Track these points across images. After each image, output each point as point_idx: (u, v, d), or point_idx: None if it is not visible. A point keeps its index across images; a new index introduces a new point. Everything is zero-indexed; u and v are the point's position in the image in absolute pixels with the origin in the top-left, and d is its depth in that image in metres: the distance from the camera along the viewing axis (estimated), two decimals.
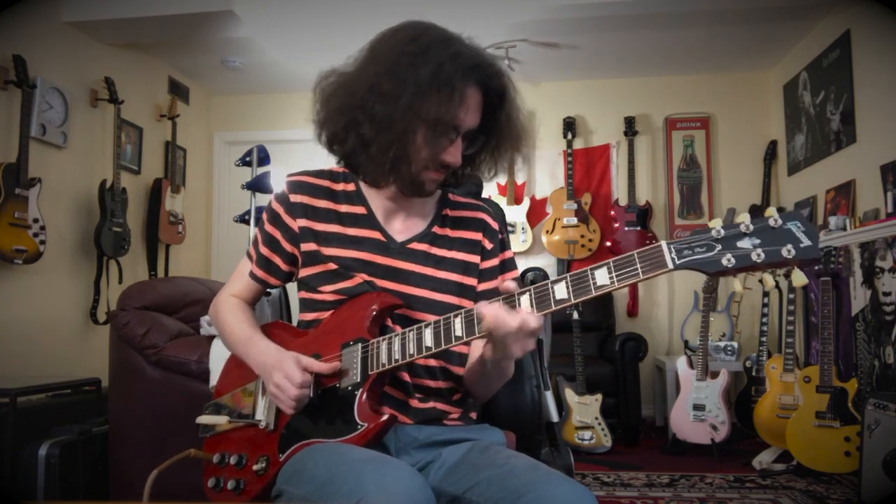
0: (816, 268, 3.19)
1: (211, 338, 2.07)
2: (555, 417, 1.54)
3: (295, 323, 1.30)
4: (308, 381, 1.09)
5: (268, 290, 1.33)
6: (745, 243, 0.86)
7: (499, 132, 1.17)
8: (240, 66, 4.51)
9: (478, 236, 1.25)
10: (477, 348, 1.16)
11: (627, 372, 3.83)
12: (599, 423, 3.57)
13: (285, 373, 1.09)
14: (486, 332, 0.98)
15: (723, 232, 0.87)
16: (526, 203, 4.70)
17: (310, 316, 1.22)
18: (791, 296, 3.52)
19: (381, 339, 1.09)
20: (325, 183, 1.25)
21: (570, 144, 4.65)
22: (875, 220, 3.20)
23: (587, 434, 3.55)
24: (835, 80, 3.69)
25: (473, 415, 1.26)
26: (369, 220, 1.22)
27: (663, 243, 0.89)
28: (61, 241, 3.57)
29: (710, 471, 3.19)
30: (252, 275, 1.28)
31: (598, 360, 4.05)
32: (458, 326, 1.02)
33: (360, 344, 1.11)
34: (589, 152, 4.76)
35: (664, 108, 4.73)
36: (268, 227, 1.25)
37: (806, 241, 0.84)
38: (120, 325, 2.12)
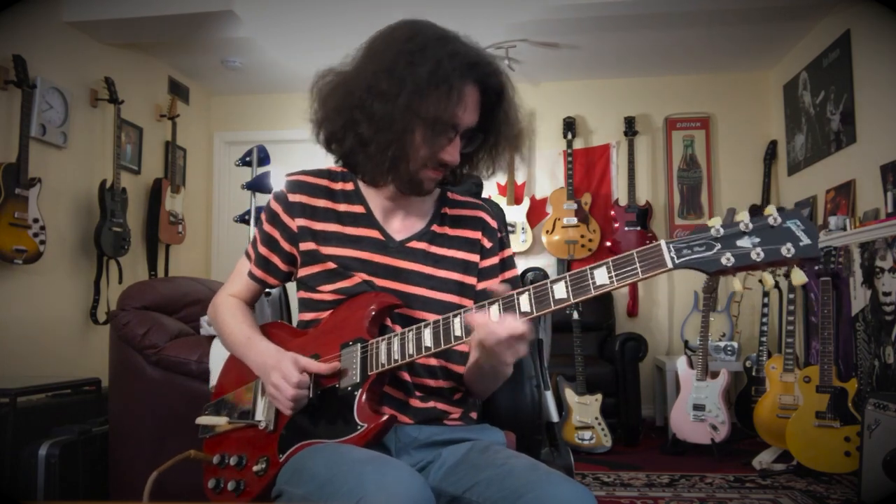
0: (816, 268, 3.19)
1: (211, 338, 2.07)
2: (555, 417, 1.54)
3: (295, 323, 1.30)
4: (306, 382, 1.09)
5: (267, 290, 1.32)
6: (744, 242, 0.86)
7: (497, 130, 1.17)
8: (240, 66, 4.51)
9: (477, 235, 1.25)
10: (474, 350, 1.16)
11: (627, 372, 3.83)
12: (599, 423, 3.57)
13: (283, 373, 1.09)
14: (477, 344, 0.99)
15: (722, 231, 0.87)
16: (526, 203, 4.70)
17: (309, 316, 1.22)
18: (791, 296, 3.52)
19: (380, 339, 1.09)
20: (324, 182, 1.25)
21: (570, 144, 4.65)
22: (875, 220, 3.20)
23: (587, 434, 3.55)
24: (835, 80, 3.69)
25: (474, 414, 1.26)
26: (368, 219, 1.22)
27: (662, 242, 0.89)
28: (61, 241, 3.57)
29: (710, 471, 3.19)
30: (251, 274, 1.28)
31: (598, 360, 4.05)
32: (457, 326, 1.02)
33: (359, 344, 1.11)
34: (589, 152, 4.76)
35: (664, 108, 4.73)
36: (266, 227, 1.25)
37: (805, 240, 0.84)
38: (120, 325, 2.12)
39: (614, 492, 2.88)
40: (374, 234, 1.21)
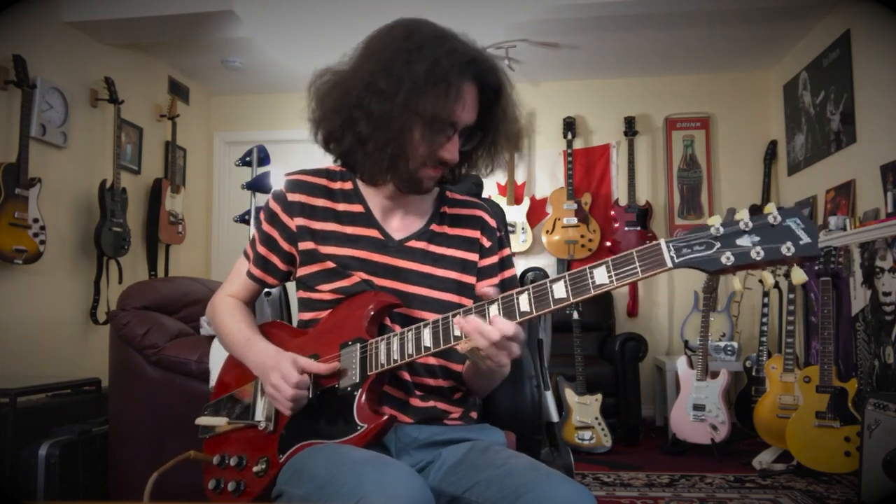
0: (816, 268, 3.19)
1: (211, 338, 2.07)
2: (555, 417, 1.54)
3: (295, 323, 1.29)
4: (305, 382, 1.09)
5: (268, 290, 1.32)
6: (744, 241, 0.86)
7: (495, 128, 1.17)
8: (240, 66, 4.51)
9: (476, 234, 1.25)
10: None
11: (627, 372, 3.83)
12: (599, 423, 3.57)
13: (282, 373, 1.09)
14: (469, 349, 0.99)
15: (722, 230, 0.87)
16: (526, 203, 4.70)
17: (308, 315, 1.22)
18: (791, 296, 3.52)
19: (379, 339, 1.09)
20: (323, 182, 1.25)
21: (570, 144, 4.65)
22: (875, 220, 3.20)
23: (587, 434, 3.55)
24: (835, 80, 3.69)
25: (474, 414, 1.26)
26: (367, 219, 1.22)
27: (662, 241, 0.89)
28: (61, 241, 3.57)
29: (710, 471, 3.19)
30: (249, 274, 1.27)
31: (598, 360, 4.05)
32: (456, 326, 1.02)
33: (358, 344, 1.11)
34: (589, 152, 4.76)
35: (664, 108, 4.73)
36: (265, 227, 1.24)
37: (805, 239, 0.83)
38: (120, 325, 2.12)
39: (614, 492, 2.88)
40: (373, 233, 1.20)
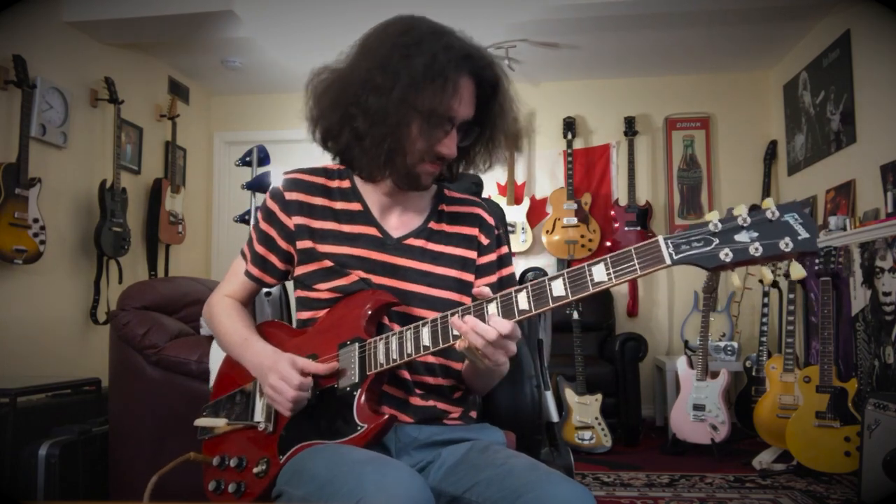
0: (816, 268, 3.19)
1: (211, 338, 2.07)
2: (555, 417, 1.54)
3: (294, 323, 1.29)
4: (307, 385, 1.09)
5: (267, 291, 1.32)
6: (742, 237, 0.85)
7: (492, 123, 1.17)
8: (240, 66, 4.51)
9: (474, 231, 1.25)
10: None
11: (627, 372, 3.83)
12: (599, 423, 3.57)
13: (281, 375, 1.09)
14: (466, 348, 0.99)
15: (720, 226, 0.86)
16: (526, 203, 4.70)
17: (306, 315, 1.22)
18: (791, 296, 3.52)
19: (378, 338, 1.09)
20: (320, 180, 1.24)
21: (570, 144, 4.65)
22: (875, 220, 3.20)
23: (587, 434, 3.55)
24: (835, 80, 3.69)
25: (473, 414, 1.25)
26: (365, 217, 1.21)
27: (660, 238, 0.88)
28: (61, 241, 3.57)
29: (710, 471, 3.19)
30: (247, 273, 1.27)
31: (598, 360, 4.05)
32: (457, 318, 1.01)
33: (356, 344, 1.10)
34: (589, 152, 4.76)
35: (664, 108, 4.73)
36: (263, 226, 1.24)
37: (804, 234, 0.83)
38: (120, 325, 2.12)
39: (614, 492, 2.88)
40: (372, 231, 1.20)
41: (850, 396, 2.92)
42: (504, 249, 1.29)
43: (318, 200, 1.22)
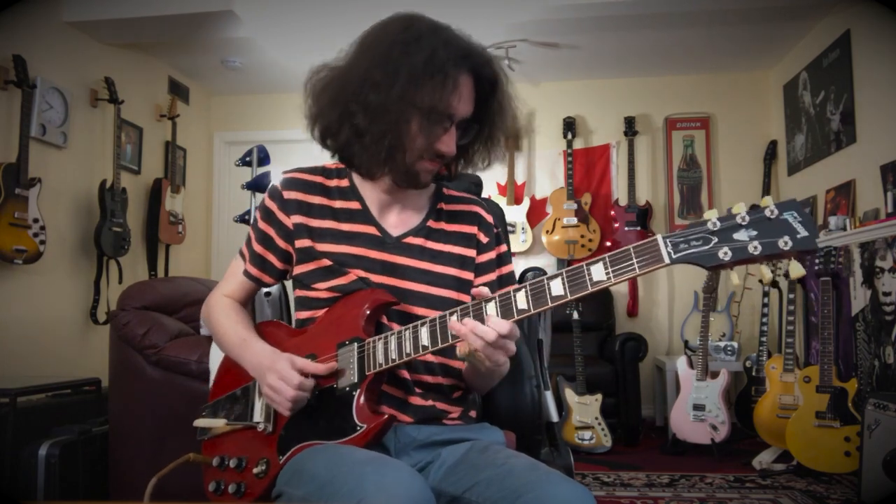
0: (816, 268, 3.19)
1: (211, 338, 2.07)
2: (555, 417, 1.54)
3: (293, 323, 1.29)
4: (307, 385, 1.08)
5: (267, 291, 1.32)
6: (741, 235, 0.85)
7: (491, 121, 1.17)
8: (240, 66, 4.51)
9: (473, 230, 1.25)
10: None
11: (627, 372, 3.83)
12: (599, 423, 3.57)
13: (280, 374, 1.08)
14: (466, 354, 0.99)
15: (719, 224, 0.86)
16: (526, 203, 4.70)
17: (304, 314, 1.22)
18: (791, 296, 3.52)
19: (377, 338, 1.09)
20: (319, 179, 1.24)
21: (570, 144, 4.65)
22: (875, 220, 3.20)
23: (587, 434, 3.55)
24: (835, 80, 3.69)
25: (473, 413, 1.25)
26: (364, 215, 1.21)
27: (659, 237, 0.88)
28: (61, 241, 3.57)
29: (710, 471, 3.19)
30: (246, 273, 1.27)
31: (598, 360, 4.05)
32: (455, 321, 1.01)
33: (355, 343, 1.10)
34: (589, 152, 4.76)
35: (664, 108, 4.73)
36: (261, 225, 1.24)
37: (803, 232, 0.83)
38: (120, 325, 2.12)
39: (614, 492, 2.88)
40: (371, 230, 1.20)
41: (850, 396, 2.92)
42: (503, 248, 1.29)
43: (317, 199, 1.22)
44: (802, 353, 3.96)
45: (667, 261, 0.87)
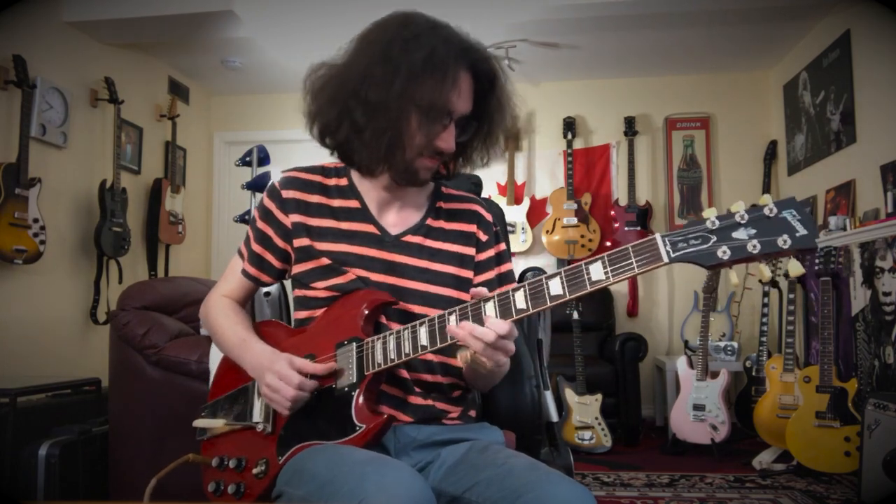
0: (816, 268, 3.19)
1: (211, 338, 2.06)
2: (555, 417, 1.54)
3: (292, 323, 1.29)
4: (308, 385, 1.08)
5: (266, 291, 1.32)
6: (740, 234, 0.85)
7: (490, 118, 1.17)
8: (240, 66, 4.51)
9: (472, 228, 1.25)
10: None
11: (627, 372, 3.83)
12: (599, 423, 3.57)
13: (280, 374, 1.08)
14: (467, 361, 0.99)
15: (718, 223, 0.86)
16: (526, 203, 4.70)
17: (303, 314, 1.22)
18: (791, 296, 3.52)
19: (375, 338, 1.09)
20: (317, 178, 1.24)
21: (570, 144, 4.65)
22: (875, 220, 3.20)
23: (587, 434, 3.55)
24: (835, 80, 3.69)
25: (473, 413, 1.25)
26: (363, 214, 1.21)
27: (658, 236, 0.88)
28: (61, 241, 3.57)
29: (710, 471, 3.19)
30: (244, 272, 1.27)
31: (598, 360, 4.05)
32: (453, 324, 1.01)
33: (354, 343, 1.10)
34: (589, 152, 4.76)
35: (664, 108, 4.73)
36: (259, 224, 1.24)
37: (802, 231, 0.83)
38: (120, 325, 2.12)
39: (614, 492, 2.88)
40: (370, 228, 1.20)
41: (850, 396, 2.92)
42: (502, 246, 1.29)
43: (315, 198, 1.22)
44: (802, 353, 3.96)
45: (665, 260, 0.87)
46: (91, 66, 3.83)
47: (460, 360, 1.00)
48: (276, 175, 3.24)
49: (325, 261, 1.17)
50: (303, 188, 1.22)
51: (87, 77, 3.80)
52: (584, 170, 4.72)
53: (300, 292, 1.22)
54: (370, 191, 1.22)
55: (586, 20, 3.71)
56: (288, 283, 1.38)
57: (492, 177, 4.69)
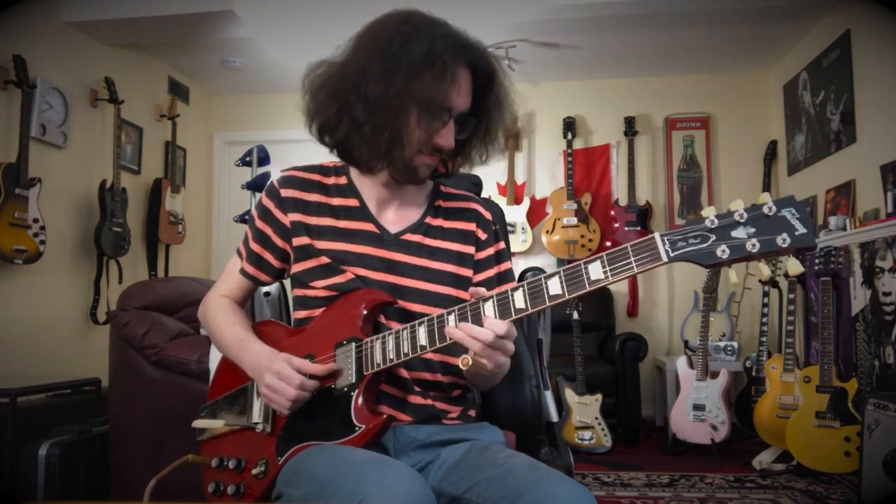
0: (816, 268, 3.19)
1: None
2: (555, 417, 1.54)
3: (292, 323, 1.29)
4: (309, 385, 1.08)
5: (266, 291, 1.32)
6: (739, 233, 0.85)
7: (489, 115, 1.17)
8: (240, 66, 4.51)
9: (471, 226, 1.25)
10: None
11: (627, 372, 3.83)
12: (599, 423, 3.57)
13: (280, 374, 1.08)
14: (469, 365, 0.99)
15: (717, 221, 0.86)
16: (526, 203, 4.70)
17: (302, 314, 1.22)
18: (791, 296, 3.52)
19: (374, 338, 1.08)
20: (316, 177, 1.24)
21: (570, 144, 4.65)
22: (875, 220, 3.20)
23: (587, 434, 3.55)
24: (835, 80, 3.69)
25: (472, 413, 1.25)
26: (362, 213, 1.21)
27: (657, 235, 0.88)
28: (61, 241, 3.57)
29: (710, 471, 3.19)
30: (243, 271, 1.26)
31: (598, 360, 4.05)
32: (452, 324, 1.01)
33: (353, 343, 1.10)
34: (589, 152, 4.76)
35: (664, 108, 4.73)
36: (258, 223, 1.24)
37: (801, 229, 0.82)
38: (120, 325, 2.12)
39: (614, 492, 2.88)
40: (369, 227, 1.20)
41: (850, 396, 2.92)
42: (501, 244, 1.29)
43: (314, 197, 1.22)
44: (802, 353, 3.96)
45: (664, 259, 0.87)
46: (91, 66, 3.83)
47: (462, 364, 1.00)
48: (275, 175, 3.24)
49: (325, 259, 1.17)
50: (302, 187, 1.22)
51: (87, 77, 3.80)
52: (584, 170, 4.72)
53: (299, 292, 1.22)
54: (369, 189, 1.22)
55: (586, 20, 3.71)
56: (288, 284, 1.38)
57: (492, 177, 4.69)
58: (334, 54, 1.16)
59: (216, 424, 1.23)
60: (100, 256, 3.78)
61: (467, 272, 1.22)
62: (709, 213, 0.87)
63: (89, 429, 2.33)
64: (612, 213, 4.59)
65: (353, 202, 1.22)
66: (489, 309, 0.98)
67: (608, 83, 4.81)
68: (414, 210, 1.24)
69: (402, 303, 1.16)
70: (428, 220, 1.23)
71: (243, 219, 3.27)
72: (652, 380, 4.45)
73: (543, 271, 1.01)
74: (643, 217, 4.53)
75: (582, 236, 4.52)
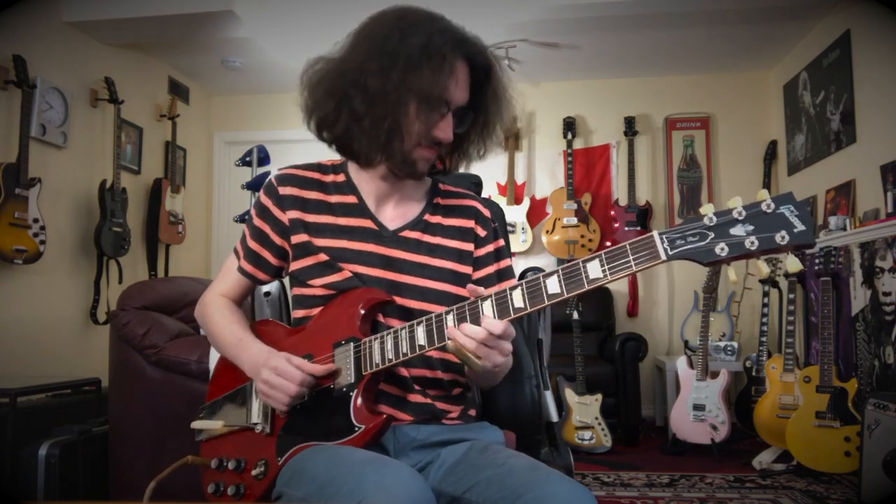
0: (816, 268, 3.19)
1: None
2: (555, 417, 1.54)
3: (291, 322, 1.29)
4: (308, 382, 1.08)
5: (266, 291, 1.31)
6: (738, 230, 0.84)
7: (486, 108, 1.18)
8: (240, 66, 4.51)
9: (470, 224, 1.25)
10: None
11: (627, 372, 3.83)
12: (599, 423, 3.57)
13: (278, 370, 1.08)
14: (455, 349, 0.99)
15: (715, 219, 0.85)
16: (526, 203, 4.70)
17: (301, 313, 1.22)
18: (791, 296, 3.52)
19: (373, 337, 1.08)
20: (314, 175, 1.24)
21: (570, 144, 4.65)
22: (875, 220, 3.20)
23: (587, 434, 3.55)
24: (835, 80, 3.69)
25: (472, 412, 1.25)
26: (361, 209, 1.21)
27: (655, 233, 0.87)
28: (61, 241, 3.57)
29: (710, 471, 3.19)
30: (240, 269, 1.26)
31: (598, 360, 4.05)
32: (450, 324, 1.01)
33: (351, 343, 1.10)
34: (589, 152, 4.76)
35: (664, 108, 4.73)
36: (256, 222, 1.24)
37: (800, 226, 0.82)
38: (120, 325, 2.12)
39: (614, 492, 2.88)
40: (367, 223, 1.20)
41: (850, 396, 2.92)
42: (501, 242, 1.29)
43: (313, 195, 1.22)
44: (802, 353, 3.96)
45: (663, 257, 0.87)
46: (91, 66, 3.83)
47: (448, 347, 1.00)
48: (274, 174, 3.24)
49: (324, 257, 1.17)
50: (300, 184, 1.22)
51: (87, 77, 3.80)
52: (584, 170, 4.72)
53: (298, 290, 1.22)
54: (368, 185, 1.22)
55: (586, 20, 3.71)
56: (288, 283, 1.38)
57: (492, 177, 4.69)
58: (332, 51, 1.16)
59: (215, 425, 1.23)
60: (100, 256, 3.79)
61: (466, 269, 1.22)
62: (707, 210, 0.86)
63: (89, 429, 2.33)
64: (612, 213, 4.59)
65: (351, 199, 1.22)
66: (487, 308, 0.98)
67: (608, 83, 4.81)
68: (412, 207, 1.24)
69: (400, 300, 1.15)
70: (427, 216, 1.23)
71: (243, 219, 3.27)
72: (652, 380, 4.45)
73: (543, 271, 1.01)
74: (643, 217, 4.53)
75: (582, 236, 4.52)
